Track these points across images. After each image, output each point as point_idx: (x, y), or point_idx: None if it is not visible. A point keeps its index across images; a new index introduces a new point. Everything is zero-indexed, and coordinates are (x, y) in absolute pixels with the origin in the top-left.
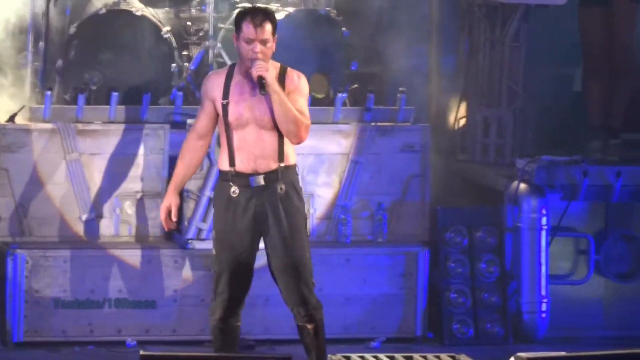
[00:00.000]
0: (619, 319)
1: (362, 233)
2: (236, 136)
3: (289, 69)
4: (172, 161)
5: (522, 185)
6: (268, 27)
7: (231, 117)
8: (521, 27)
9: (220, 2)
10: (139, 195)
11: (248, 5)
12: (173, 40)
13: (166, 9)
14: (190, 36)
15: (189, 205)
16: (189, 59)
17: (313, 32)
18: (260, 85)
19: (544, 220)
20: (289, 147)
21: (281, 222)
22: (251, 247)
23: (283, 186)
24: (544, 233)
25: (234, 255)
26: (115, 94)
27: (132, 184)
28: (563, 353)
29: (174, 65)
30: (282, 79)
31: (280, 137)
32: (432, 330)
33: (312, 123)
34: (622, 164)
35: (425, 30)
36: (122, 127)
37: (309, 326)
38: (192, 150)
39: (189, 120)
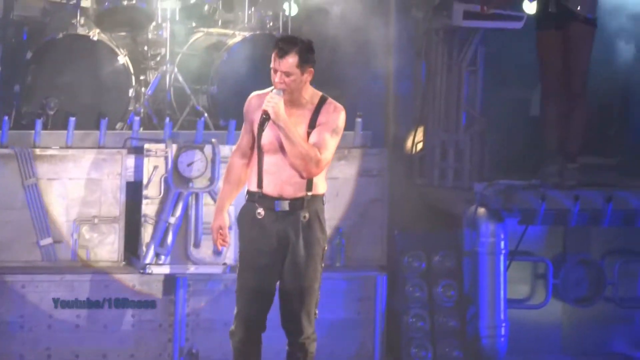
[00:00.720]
0: (577, 343)
1: None
2: (267, 159)
3: (329, 99)
4: (129, 186)
5: (480, 210)
6: (291, 60)
7: (264, 141)
8: (478, 51)
9: (177, 27)
10: (96, 220)
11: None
12: (130, 65)
13: (123, 33)
14: (147, 61)
15: (147, 230)
16: (146, 83)
17: (269, 57)
18: (261, 119)
19: (502, 244)
20: (318, 177)
21: (299, 249)
22: (274, 270)
23: (307, 214)
24: (502, 257)
25: (257, 275)
26: (72, 119)
27: (90, 208)
28: None
29: (131, 90)
30: (318, 109)
31: None
32: (391, 355)
33: None
34: (579, 188)
35: (382, 54)
36: (79, 152)
37: (300, 354)
38: (237, 169)
39: (146, 145)
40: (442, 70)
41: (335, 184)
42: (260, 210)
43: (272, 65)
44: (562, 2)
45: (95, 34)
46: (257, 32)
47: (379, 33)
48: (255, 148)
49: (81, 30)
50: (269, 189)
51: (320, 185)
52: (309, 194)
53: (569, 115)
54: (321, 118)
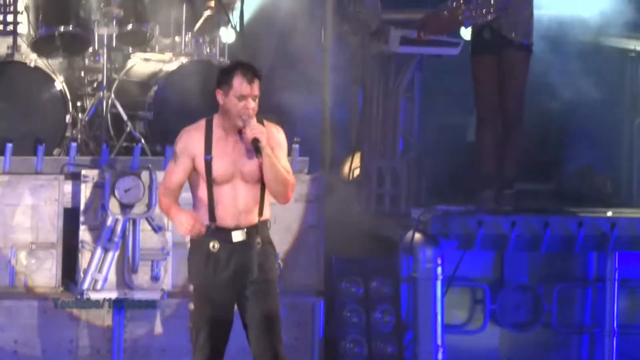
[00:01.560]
0: None
1: None
2: (218, 191)
3: (265, 121)
4: (67, 212)
5: (417, 235)
6: (257, 83)
7: (216, 173)
8: (415, 77)
9: (114, 53)
10: (33, 246)
11: (231, 61)
12: (67, 91)
13: (60, 59)
14: (84, 87)
15: (85, 256)
16: (83, 109)
17: (207, 82)
18: (255, 148)
19: (439, 270)
20: (266, 202)
21: (259, 277)
22: (232, 301)
23: (259, 240)
24: (439, 283)
25: (215, 309)
26: (9, 145)
27: (27, 234)
28: None
29: (68, 116)
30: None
31: (262, 191)
32: None
33: None
34: (516, 213)
35: (319, 80)
36: (16, 177)
37: None
38: (168, 194)
39: (83, 171)
40: (379, 96)
41: (273, 209)
42: (214, 244)
43: (239, 92)
44: (496, 29)
45: (32, 60)
46: (195, 58)
47: (316, 59)
48: (202, 181)
49: (18, 57)
50: (224, 220)
51: (267, 210)
52: (261, 219)
53: (504, 141)
54: (270, 141)
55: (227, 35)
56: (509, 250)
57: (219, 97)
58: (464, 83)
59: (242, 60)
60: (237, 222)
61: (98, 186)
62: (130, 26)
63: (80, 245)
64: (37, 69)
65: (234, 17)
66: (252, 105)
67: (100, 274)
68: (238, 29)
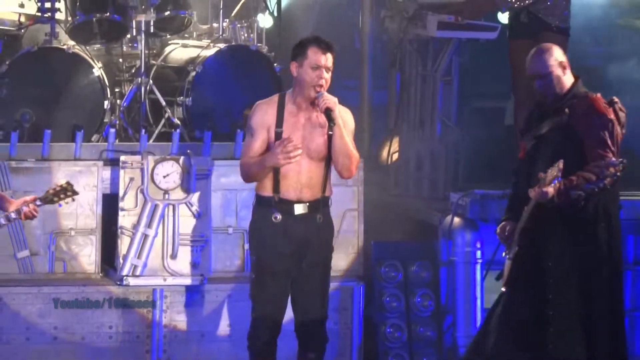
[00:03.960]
0: None
1: None
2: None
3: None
4: (106, 198)
5: (456, 219)
6: (332, 56)
7: None
8: (453, 61)
9: (152, 39)
10: (73, 232)
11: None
12: (105, 77)
13: (98, 46)
14: (122, 73)
15: (124, 242)
16: (121, 95)
17: (245, 68)
18: (328, 117)
19: (478, 253)
20: (329, 179)
21: (317, 251)
22: (291, 272)
23: (321, 216)
24: (478, 267)
25: (277, 279)
26: (48, 132)
27: (66, 221)
28: None
29: (106, 102)
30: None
31: (327, 168)
32: None
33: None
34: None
35: (357, 65)
36: (55, 164)
37: (311, 355)
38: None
39: (122, 157)
40: (417, 80)
41: None
42: (278, 215)
43: (314, 62)
44: (533, 12)
45: (70, 46)
46: (232, 44)
47: (354, 44)
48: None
49: (56, 43)
50: (287, 193)
51: (329, 188)
52: (325, 195)
53: None
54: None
55: (265, 20)
56: None
57: (293, 68)
58: (501, 67)
59: (316, 35)
60: (300, 195)
61: (137, 172)
62: (167, 12)
63: (119, 231)
64: (75, 55)
65: (272, 3)
66: (326, 76)
67: (139, 259)
68: (275, 14)
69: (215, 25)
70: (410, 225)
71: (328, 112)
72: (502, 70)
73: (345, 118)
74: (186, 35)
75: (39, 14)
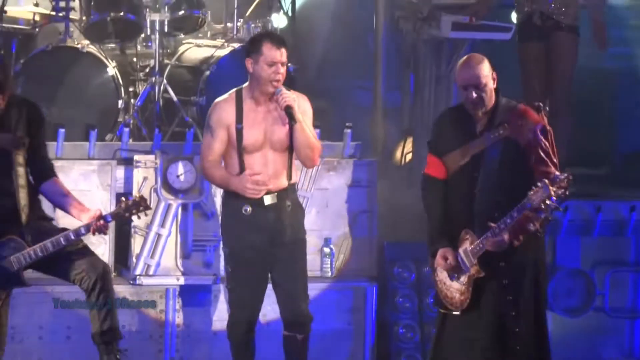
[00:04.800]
0: (566, 353)
1: (310, 268)
2: (249, 158)
3: (292, 90)
4: (119, 197)
5: None
6: (285, 50)
7: (247, 141)
8: None
9: (166, 38)
10: None
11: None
12: (119, 76)
13: (112, 45)
14: (136, 72)
15: (137, 242)
16: (135, 95)
17: None
18: (288, 115)
19: None
20: (294, 167)
21: (291, 237)
22: (265, 260)
23: (289, 203)
24: None
25: (252, 270)
26: (61, 131)
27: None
28: None
29: (120, 101)
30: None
31: (289, 156)
32: None
33: None
34: (568, 198)
35: (370, 66)
36: (69, 163)
37: (300, 336)
38: (218, 166)
39: (136, 156)
40: (431, 81)
41: (325, 194)
42: (248, 207)
43: (269, 59)
44: (547, 13)
45: (84, 45)
46: (246, 44)
47: (368, 44)
48: (232, 150)
49: (70, 42)
50: (259, 178)
51: (294, 174)
52: (290, 183)
53: (553, 125)
54: (299, 110)
55: (279, 20)
56: (561, 235)
57: (249, 65)
58: (514, 67)
59: (269, 30)
60: (267, 187)
61: (150, 171)
62: (182, 12)
63: (132, 230)
64: (89, 54)
65: (286, 3)
66: (282, 70)
67: (152, 259)
68: (289, 14)
69: (229, 24)
70: (423, 225)
71: (288, 110)
72: (515, 71)
73: (303, 107)
74: (200, 34)
75: (54, 13)
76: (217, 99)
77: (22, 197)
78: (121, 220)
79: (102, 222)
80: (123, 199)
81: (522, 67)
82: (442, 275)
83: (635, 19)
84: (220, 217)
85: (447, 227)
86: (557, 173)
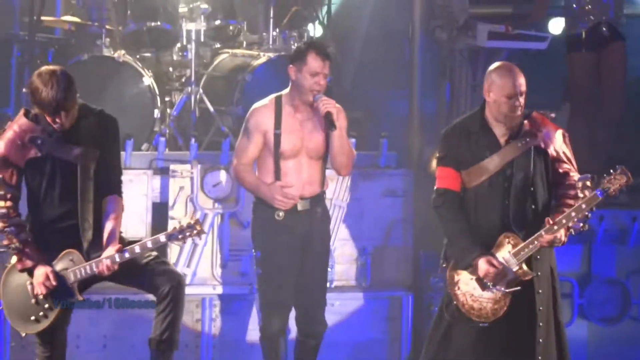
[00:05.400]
0: None
1: (346, 277)
2: (285, 164)
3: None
4: (155, 207)
5: None
6: (329, 63)
7: (284, 147)
8: None
9: (202, 48)
10: None
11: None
12: (155, 86)
13: (148, 54)
14: (172, 82)
15: (173, 251)
16: (171, 104)
17: None
18: (328, 120)
19: None
20: (326, 174)
21: (319, 243)
22: (295, 264)
23: (320, 209)
24: None
25: (284, 273)
26: (129, 142)
27: None
28: None
29: (156, 111)
30: (327, 115)
31: (323, 165)
32: None
33: None
34: (603, 207)
35: (406, 75)
36: None
37: (313, 342)
38: (250, 171)
39: (172, 166)
40: (467, 90)
41: (360, 204)
42: (280, 212)
43: (313, 69)
44: (613, 23)
45: (120, 55)
46: (282, 53)
47: (403, 54)
48: (269, 155)
49: (106, 52)
50: (290, 191)
51: (325, 182)
52: (322, 190)
53: (597, 134)
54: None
55: (315, 30)
56: (597, 243)
57: (292, 72)
58: (550, 76)
59: (316, 40)
60: (301, 192)
61: (186, 181)
62: (218, 21)
63: (169, 240)
64: (125, 64)
65: (322, 12)
66: (323, 82)
67: (189, 268)
68: (325, 23)
69: (265, 34)
70: None
71: (328, 116)
72: (549, 79)
73: (340, 117)
74: (236, 44)
75: (90, 22)
76: (256, 104)
77: (88, 211)
78: (176, 241)
79: (109, 263)
80: (178, 222)
81: (572, 77)
82: (467, 287)
83: None
84: (251, 222)
85: (481, 236)
86: (579, 175)
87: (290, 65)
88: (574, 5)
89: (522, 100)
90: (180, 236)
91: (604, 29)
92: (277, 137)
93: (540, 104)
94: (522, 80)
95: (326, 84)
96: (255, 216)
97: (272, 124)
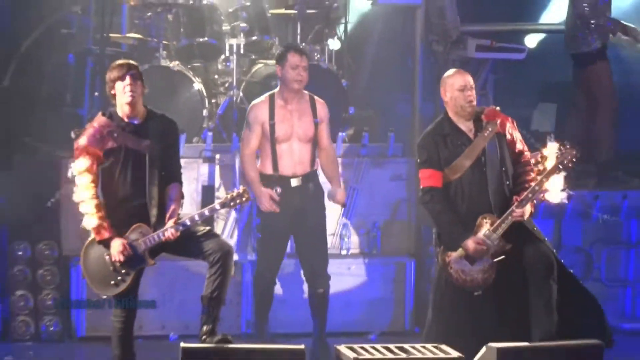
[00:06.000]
0: None
1: (360, 246)
2: (279, 148)
3: (314, 97)
4: (204, 189)
5: None
6: (306, 57)
7: (278, 133)
8: (488, 77)
9: (242, 59)
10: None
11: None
12: (204, 90)
13: (198, 64)
14: (217, 87)
15: (219, 225)
16: (217, 105)
17: (317, 83)
18: (342, 205)
19: None
20: (315, 155)
21: (313, 212)
22: (288, 231)
23: (312, 185)
24: None
25: (278, 237)
26: (182, 136)
27: None
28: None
29: (204, 110)
30: (313, 106)
31: (312, 147)
32: (419, 326)
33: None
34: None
35: (409, 81)
36: None
37: (320, 290)
38: (253, 162)
39: (218, 155)
40: None
41: (372, 186)
42: (278, 188)
43: (293, 63)
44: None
45: (175, 65)
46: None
47: (407, 63)
48: (266, 141)
49: (163, 62)
50: (284, 170)
51: (316, 162)
52: (313, 168)
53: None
54: (320, 114)
55: (334, 44)
56: (566, 218)
57: (278, 71)
58: (527, 81)
59: (293, 42)
60: (294, 171)
61: (229, 168)
62: (254, 37)
63: (215, 216)
64: (179, 72)
65: (340, 30)
66: (303, 74)
67: (231, 239)
68: (343, 39)
69: None
70: None
71: (344, 205)
72: (527, 84)
73: (326, 113)
74: (270, 55)
75: (150, 38)
76: (254, 101)
77: (154, 192)
78: (227, 208)
79: (173, 230)
80: (230, 191)
81: (592, 84)
82: (458, 265)
83: None
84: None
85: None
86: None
87: (277, 66)
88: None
89: (472, 93)
90: (232, 204)
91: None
92: (272, 126)
93: (519, 104)
94: (468, 78)
95: (307, 76)
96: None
97: (267, 116)
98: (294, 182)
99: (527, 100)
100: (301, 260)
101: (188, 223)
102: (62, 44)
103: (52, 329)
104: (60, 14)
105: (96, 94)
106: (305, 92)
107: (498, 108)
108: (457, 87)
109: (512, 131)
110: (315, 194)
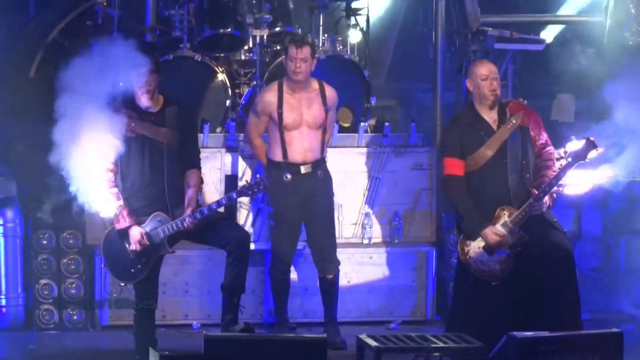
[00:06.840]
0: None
1: (382, 235)
2: (289, 135)
3: (324, 84)
4: (227, 178)
5: None
6: (306, 49)
7: (286, 121)
8: (508, 67)
9: (265, 50)
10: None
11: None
12: (227, 80)
13: (221, 55)
14: (240, 77)
15: (242, 214)
16: (240, 95)
17: (340, 74)
18: None
19: None
20: (324, 143)
21: (322, 199)
22: (300, 218)
23: (321, 172)
24: None
25: (288, 225)
26: (206, 125)
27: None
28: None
29: (228, 101)
30: (322, 93)
31: (322, 134)
32: (440, 314)
33: (340, 147)
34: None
35: (431, 71)
36: None
37: (329, 276)
38: (262, 146)
39: (241, 145)
40: None
41: (394, 175)
42: (288, 175)
43: (290, 55)
44: None
45: (199, 56)
46: (330, 54)
47: (428, 54)
48: (275, 128)
49: (188, 53)
50: (294, 157)
51: (325, 149)
52: (322, 156)
53: None
54: (329, 101)
55: (356, 35)
56: (585, 208)
57: (284, 62)
58: (545, 71)
59: (295, 34)
60: (304, 158)
61: (252, 157)
62: (277, 28)
63: (238, 205)
64: (203, 63)
65: (361, 21)
66: (302, 65)
67: (253, 228)
68: (364, 30)
69: (315, 39)
70: None
71: None
72: (546, 74)
73: (335, 100)
74: None
75: (174, 30)
76: (264, 89)
77: (172, 180)
78: (244, 196)
79: (191, 219)
80: (247, 180)
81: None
82: (477, 255)
83: None
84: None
85: (485, 210)
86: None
87: (283, 57)
88: None
89: (496, 83)
90: (249, 192)
91: None
92: (280, 115)
93: (538, 93)
94: (492, 67)
95: (306, 67)
96: (268, 179)
97: (276, 105)
98: (304, 169)
99: (546, 91)
100: (311, 246)
101: (206, 212)
102: (87, 35)
103: (75, 317)
104: (85, 5)
105: (121, 84)
106: (315, 79)
107: (526, 102)
108: (480, 76)
109: (538, 125)
110: (324, 181)
